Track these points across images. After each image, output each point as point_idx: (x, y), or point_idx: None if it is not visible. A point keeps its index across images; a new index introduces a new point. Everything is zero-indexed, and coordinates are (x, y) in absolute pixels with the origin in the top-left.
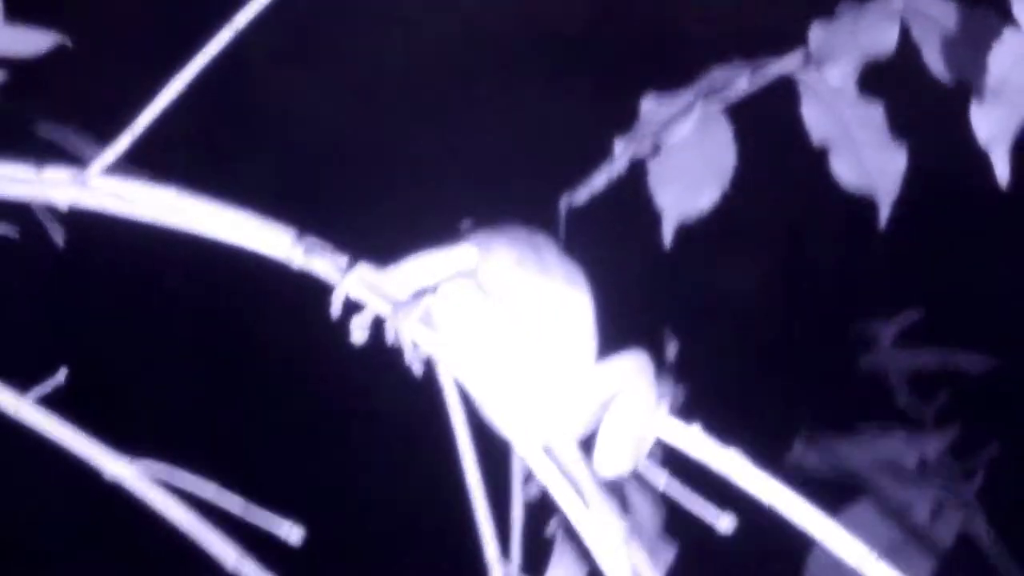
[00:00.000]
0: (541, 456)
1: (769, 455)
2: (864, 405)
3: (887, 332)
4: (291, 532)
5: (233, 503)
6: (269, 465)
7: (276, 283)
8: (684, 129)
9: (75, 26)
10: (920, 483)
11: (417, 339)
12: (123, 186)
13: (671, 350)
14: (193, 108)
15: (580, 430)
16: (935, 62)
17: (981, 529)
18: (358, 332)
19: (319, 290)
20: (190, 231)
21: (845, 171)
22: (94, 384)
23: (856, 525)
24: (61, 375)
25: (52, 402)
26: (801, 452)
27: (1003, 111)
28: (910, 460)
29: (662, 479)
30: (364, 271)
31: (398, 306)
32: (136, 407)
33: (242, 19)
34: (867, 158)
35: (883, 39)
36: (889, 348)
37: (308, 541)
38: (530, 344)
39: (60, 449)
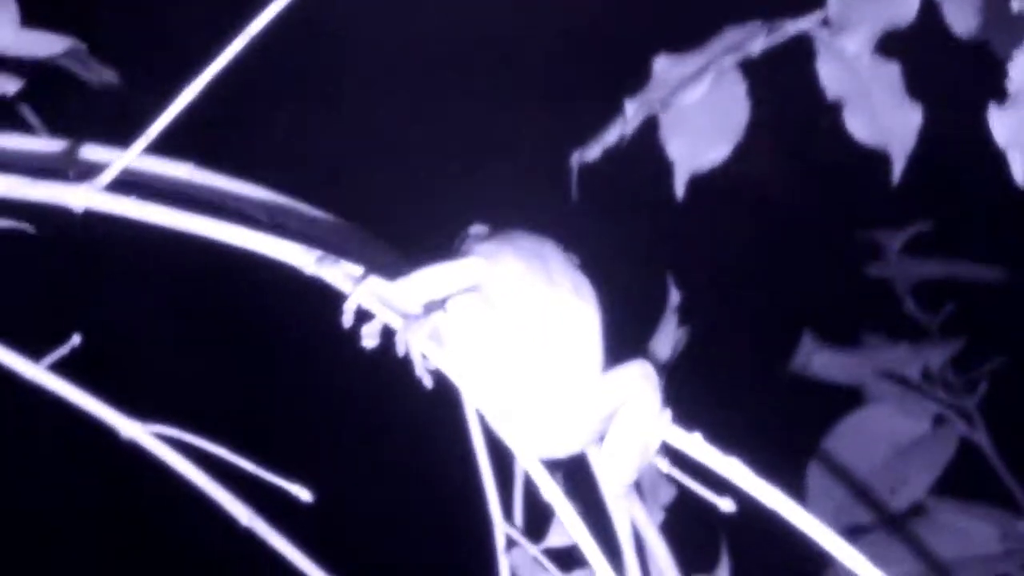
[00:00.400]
0: (542, 468)
1: (773, 363)
2: (870, 314)
3: (895, 241)
4: (301, 494)
5: (244, 465)
6: (278, 435)
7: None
8: (697, 92)
9: (88, 31)
10: (922, 393)
11: (426, 354)
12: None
13: (674, 297)
14: (204, 106)
15: (586, 441)
16: (956, 21)
17: (983, 440)
18: (369, 340)
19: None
20: (203, 235)
21: (859, 127)
22: (104, 359)
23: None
24: (74, 341)
25: (65, 374)
26: (805, 358)
27: (1021, 116)
28: (913, 370)
29: (664, 465)
30: (374, 283)
31: (409, 320)
32: (145, 381)
33: (255, 28)
34: (882, 115)
35: (904, 7)
36: (896, 257)
37: (316, 507)
38: (537, 356)
39: (72, 421)
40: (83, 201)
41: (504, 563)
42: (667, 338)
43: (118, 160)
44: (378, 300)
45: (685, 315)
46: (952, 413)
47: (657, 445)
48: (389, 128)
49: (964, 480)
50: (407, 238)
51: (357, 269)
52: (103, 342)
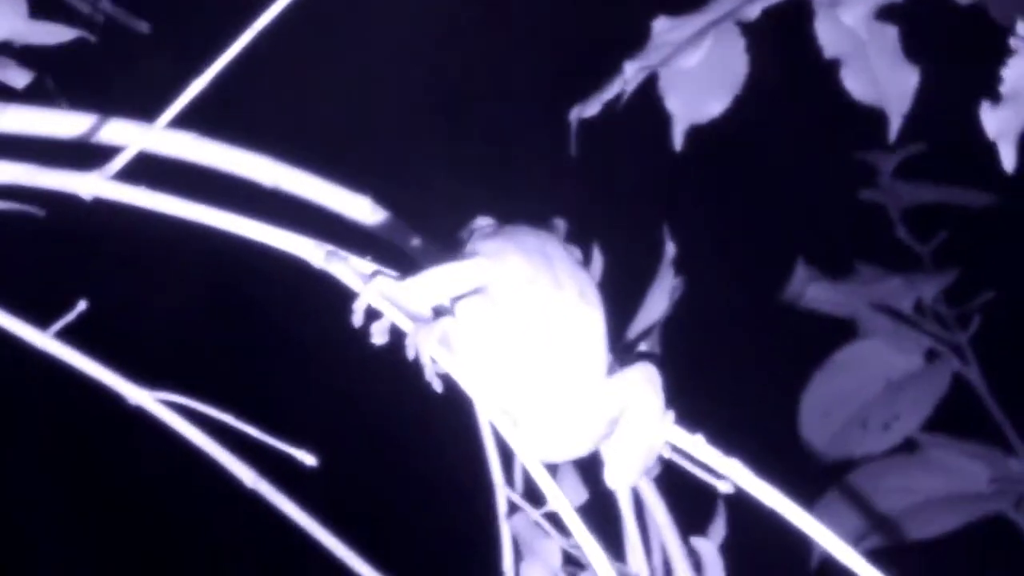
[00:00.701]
0: (544, 472)
1: (768, 289)
2: (863, 240)
3: (889, 163)
4: (305, 459)
5: (250, 431)
6: (282, 406)
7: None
8: (696, 57)
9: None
10: (915, 327)
11: (436, 358)
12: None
13: (670, 249)
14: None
15: (590, 445)
16: None
17: (975, 376)
18: (378, 337)
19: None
20: (211, 225)
21: (856, 86)
22: (110, 329)
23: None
24: (80, 307)
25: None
26: (798, 289)
27: (1012, 113)
28: (906, 303)
29: (665, 450)
30: (383, 282)
31: (418, 325)
32: (151, 353)
33: (263, 22)
34: (880, 74)
35: None
36: (890, 180)
37: (318, 474)
38: (542, 361)
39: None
40: (92, 190)
41: (506, 528)
42: (663, 290)
43: (127, 149)
44: (386, 300)
45: (681, 254)
46: (944, 348)
47: (660, 447)
48: (388, 110)
49: (955, 415)
50: (415, 217)
51: (367, 266)
52: (109, 313)
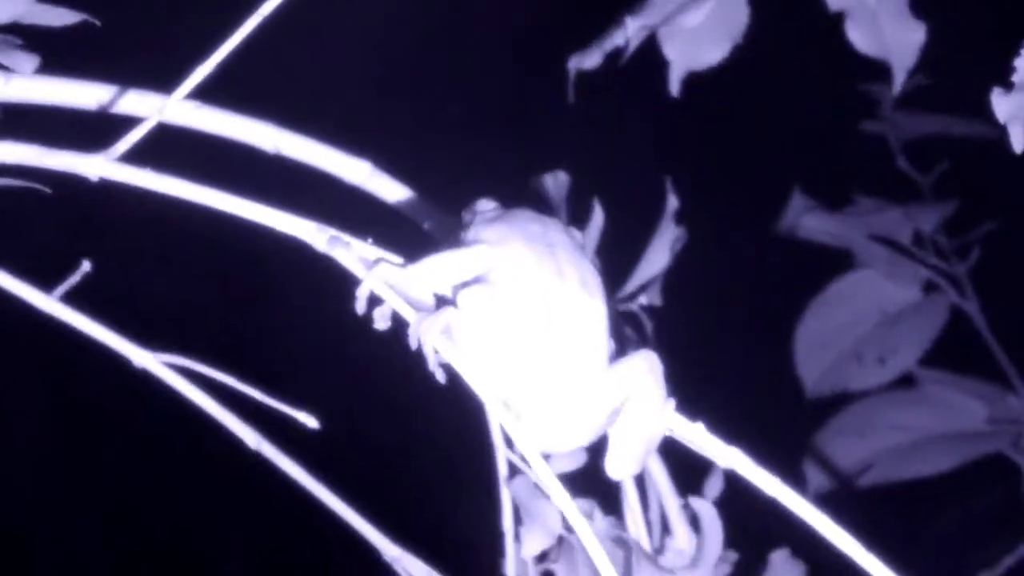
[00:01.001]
0: (543, 463)
1: (767, 222)
2: (863, 172)
3: (890, 95)
4: (308, 421)
5: (253, 393)
6: (284, 370)
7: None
8: (699, 16)
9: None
10: (913, 258)
11: (438, 349)
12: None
13: (672, 202)
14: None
15: (592, 435)
16: None
17: (973, 309)
18: (380, 322)
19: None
20: (213, 206)
21: (861, 40)
22: (115, 294)
23: None
24: (84, 267)
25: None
26: (794, 219)
27: (1022, 100)
28: (905, 234)
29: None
30: (385, 269)
31: (421, 316)
32: (156, 317)
33: (267, 8)
34: (885, 28)
35: None
36: (891, 111)
37: (318, 437)
38: (544, 352)
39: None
40: (98, 171)
41: (506, 493)
42: (664, 243)
43: (133, 130)
44: (389, 287)
45: (679, 193)
46: (943, 280)
47: (661, 435)
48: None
49: (953, 350)
50: (414, 177)
51: (369, 251)
52: (114, 278)
